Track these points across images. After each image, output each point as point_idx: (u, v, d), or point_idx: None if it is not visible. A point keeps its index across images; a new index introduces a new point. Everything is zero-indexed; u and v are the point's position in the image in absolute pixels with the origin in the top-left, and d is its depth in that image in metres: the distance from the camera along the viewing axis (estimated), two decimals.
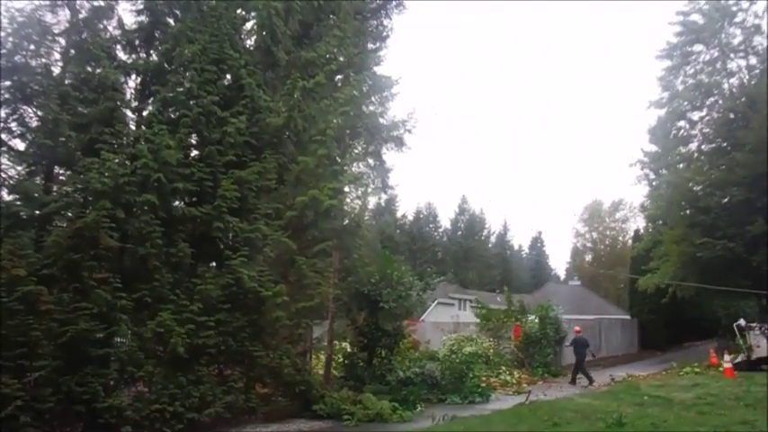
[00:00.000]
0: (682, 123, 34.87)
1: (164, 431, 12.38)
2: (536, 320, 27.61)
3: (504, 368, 24.56)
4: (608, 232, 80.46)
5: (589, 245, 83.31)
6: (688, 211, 32.48)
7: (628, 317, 43.73)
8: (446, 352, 22.34)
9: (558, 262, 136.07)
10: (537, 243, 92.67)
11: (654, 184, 36.93)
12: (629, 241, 57.57)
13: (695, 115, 34.47)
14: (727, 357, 22.03)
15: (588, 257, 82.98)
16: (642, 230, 46.80)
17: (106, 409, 11.82)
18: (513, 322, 27.69)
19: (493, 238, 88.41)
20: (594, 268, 77.04)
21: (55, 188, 13.36)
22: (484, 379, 21.34)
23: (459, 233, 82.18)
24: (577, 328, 25.31)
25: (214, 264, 15.59)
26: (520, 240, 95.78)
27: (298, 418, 15.33)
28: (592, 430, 8.73)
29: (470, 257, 76.53)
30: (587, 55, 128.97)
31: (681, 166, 34.05)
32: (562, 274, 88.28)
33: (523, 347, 26.76)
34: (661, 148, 35.15)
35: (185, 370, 13.11)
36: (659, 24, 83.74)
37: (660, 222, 36.97)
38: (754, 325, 24.86)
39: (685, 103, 34.08)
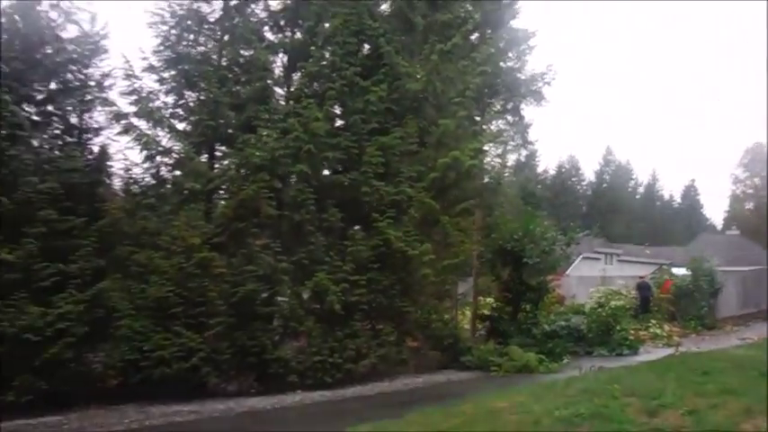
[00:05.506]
0: None
1: (325, 380, 13.55)
2: (689, 272, 26.62)
3: (653, 321, 24.07)
4: None
5: (750, 191, 77.69)
6: None
7: None
8: (593, 305, 22.17)
9: (715, 211, 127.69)
10: (690, 192, 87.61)
11: None
12: None
13: None
14: None
15: (749, 205, 77.42)
16: None
17: (274, 361, 13.15)
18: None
19: (641, 189, 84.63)
20: (757, 216, 71.87)
21: (217, 165, 14.70)
22: (632, 332, 21.04)
23: (605, 186, 79.37)
24: (642, 275, 28.66)
25: (363, 226, 16.48)
26: (671, 190, 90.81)
27: (447, 370, 16.07)
28: (744, 378, 8.63)
29: (617, 210, 73.88)
30: None
31: None
32: (719, 224, 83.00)
33: (675, 300, 26.01)
34: None
35: (341, 325, 14.20)
36: None
37: None
38: None
39: None
